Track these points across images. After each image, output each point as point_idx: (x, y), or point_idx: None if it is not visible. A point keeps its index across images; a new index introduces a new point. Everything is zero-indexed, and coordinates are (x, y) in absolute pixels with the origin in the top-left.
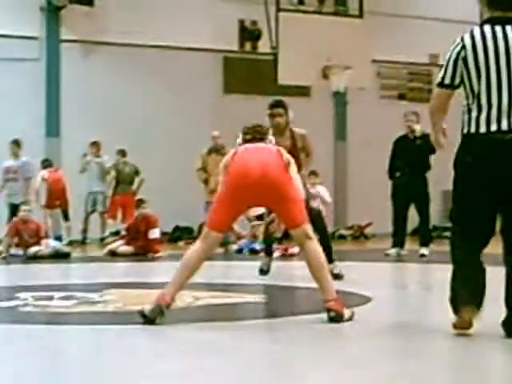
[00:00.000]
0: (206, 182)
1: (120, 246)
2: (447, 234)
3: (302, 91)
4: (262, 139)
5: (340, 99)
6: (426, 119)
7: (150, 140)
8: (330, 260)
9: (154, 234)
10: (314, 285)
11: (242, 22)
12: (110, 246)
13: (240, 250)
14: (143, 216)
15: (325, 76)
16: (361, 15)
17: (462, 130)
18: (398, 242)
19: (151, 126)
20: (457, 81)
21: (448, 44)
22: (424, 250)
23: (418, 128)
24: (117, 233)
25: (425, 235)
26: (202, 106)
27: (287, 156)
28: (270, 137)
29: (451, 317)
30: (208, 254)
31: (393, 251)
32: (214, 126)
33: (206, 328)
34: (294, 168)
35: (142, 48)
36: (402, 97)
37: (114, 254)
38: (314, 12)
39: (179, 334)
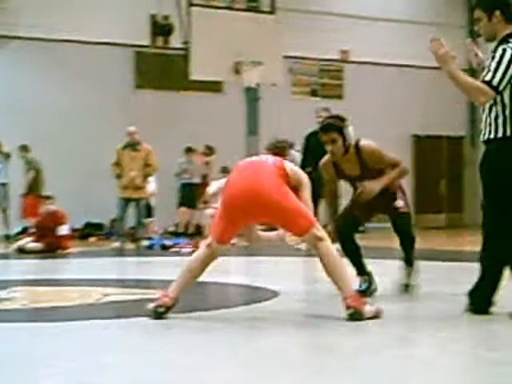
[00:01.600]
0: (119, 177)
1: (28, 242)
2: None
3: (215, 87)
4: (281, 154)
5: (252, 95)
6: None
7: (61, 135)
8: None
9: (63, 230)
10: (223, 279)
11: (153, 17)
12: (18, 242)
13: (151, 246)
14: (49, 212)
15: (237, 72)
16: (272, 11)
17: (497, 133)
18: None
19: (62, 121)
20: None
21: (358, 41)
22: (335, 244)
23: None
24: (25, 230)
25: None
26: (113, 101)
27: (293, 170)
28: (293, 151)
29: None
30: (209, 261)
31: (303, 245)
32: (125, 121)
33: (111, 325)
34: (305, 188)
35: (52, 42)
36: (313, 93)
37: (22, 251)
38: (226, 7)
39: (83, 332)
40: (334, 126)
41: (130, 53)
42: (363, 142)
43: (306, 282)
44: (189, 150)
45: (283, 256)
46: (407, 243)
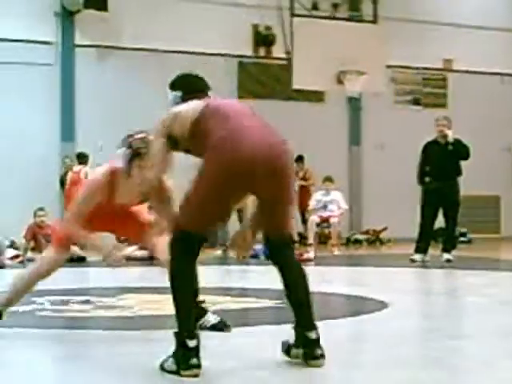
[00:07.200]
0: None
1: (135, 250)
2: (463, 239)
3: (317, 96)
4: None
5: (354, 104)
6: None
7: None
8: None
9: None
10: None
11: (256, 27)
12: (124, 251)
13: None
14: None
15: (339, 81)
16: (375, 21)
17: None
18: (424, 248)
19: None
20: None
21: (461, 49)
22: (449, 256)
23: (449, 133)
24: None
25: (451, 241)
26: None
27: None
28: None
29: (471, 322)
30: None
31: (418, 257)
32: None
33: None
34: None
35: (156, 52)
36: (416, 102)
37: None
38: (328, 17)
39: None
40: None
41: (233, 63)
42: None
43: (418, 293)
44: None
45: (387, 267)
46: None
